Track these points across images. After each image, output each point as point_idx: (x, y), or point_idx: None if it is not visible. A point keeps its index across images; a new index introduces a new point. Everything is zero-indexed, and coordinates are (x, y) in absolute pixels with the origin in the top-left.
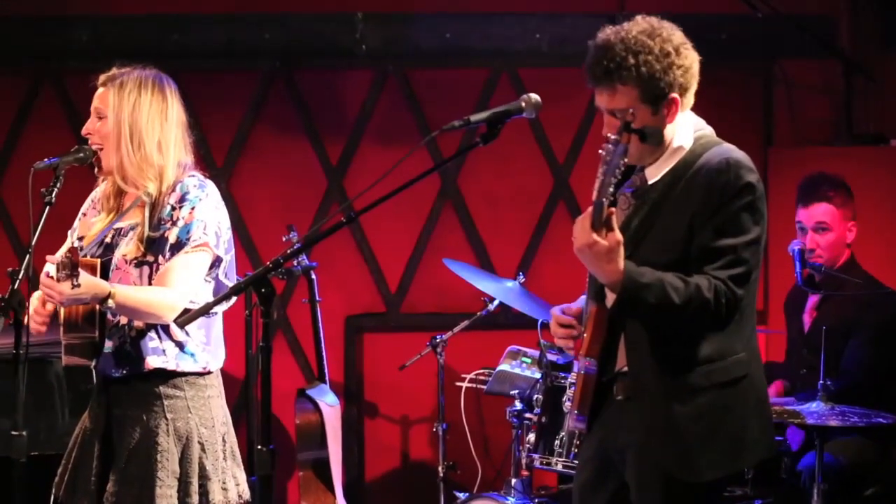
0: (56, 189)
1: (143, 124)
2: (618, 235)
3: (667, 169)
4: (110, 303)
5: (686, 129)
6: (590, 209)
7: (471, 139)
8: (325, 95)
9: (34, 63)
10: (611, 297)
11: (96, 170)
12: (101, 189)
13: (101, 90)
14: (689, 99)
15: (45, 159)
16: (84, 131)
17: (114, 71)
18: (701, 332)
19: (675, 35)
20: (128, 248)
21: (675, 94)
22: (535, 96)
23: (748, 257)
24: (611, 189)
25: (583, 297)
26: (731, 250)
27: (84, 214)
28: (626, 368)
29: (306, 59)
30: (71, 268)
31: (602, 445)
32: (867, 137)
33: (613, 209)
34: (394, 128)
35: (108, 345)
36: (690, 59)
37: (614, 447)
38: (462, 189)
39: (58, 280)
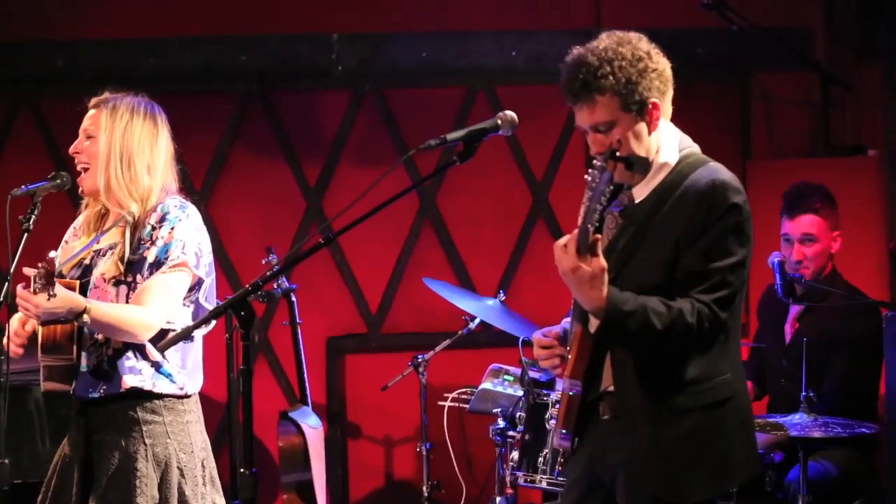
0: (34, 216)
1: (135, 146)
2: (602, 262)
3: (653, 187)
4: (85, 318)
5: (670, 144)
6: (574, 232)
7: (449, 158)
8: (303, 116)
9: (11, 88)
10: (594, 322)
11: (80, 190)
12: (83, 216)
13: (92, 111)
14: (668, 106)
15: (23, 186)
16: (72, 150)
17: (106, 94)
18: (687, 353)
19: (642, 42)
20: (106, 266)
21: (654, 99)
22: (510, 114)
23: (733, 280)
24: (596, 215)
25: (566, 320)
26: (717, 273)
27: (66, 242)
28: (612, 388)
29: (283, 80)
30: (47, 278)
31: (590, 464)
32: (845, 149)
33: (599, 236)
34: (371, 148)
35: (85, 363)
36: (662, 64)
37: (603, 466)
38: (441, 208)
39: (34, 292)
